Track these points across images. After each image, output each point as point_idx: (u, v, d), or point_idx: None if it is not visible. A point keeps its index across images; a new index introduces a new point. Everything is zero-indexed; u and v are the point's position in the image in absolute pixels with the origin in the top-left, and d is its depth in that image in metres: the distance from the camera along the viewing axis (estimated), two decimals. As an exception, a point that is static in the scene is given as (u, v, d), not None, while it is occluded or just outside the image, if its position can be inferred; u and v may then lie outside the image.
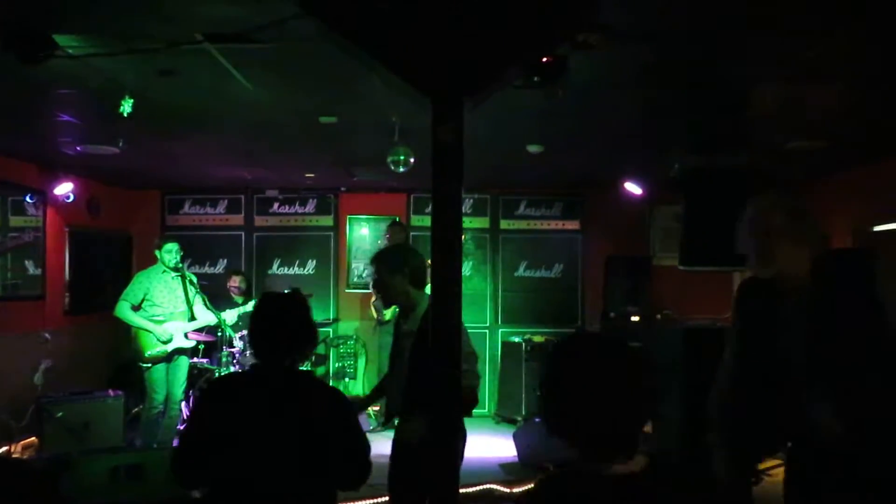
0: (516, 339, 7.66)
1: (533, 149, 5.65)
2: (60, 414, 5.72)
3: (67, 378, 6.43)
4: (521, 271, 8.27)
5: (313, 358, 7.63)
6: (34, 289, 6.65)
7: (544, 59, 3.03)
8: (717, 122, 4.81)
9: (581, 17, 2.76)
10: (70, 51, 3.30)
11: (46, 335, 6.39)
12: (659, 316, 7.21)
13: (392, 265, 3.34)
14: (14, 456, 5.73)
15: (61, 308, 6.97)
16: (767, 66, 3.65)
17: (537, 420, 5.82)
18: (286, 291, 2.64)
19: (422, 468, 3.09)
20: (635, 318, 7.17)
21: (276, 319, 2.47)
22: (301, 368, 2.56)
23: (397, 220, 7.78)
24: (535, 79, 3.06)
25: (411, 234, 7.89)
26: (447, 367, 2.45)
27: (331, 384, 7.94)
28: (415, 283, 3.34)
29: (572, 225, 8.29)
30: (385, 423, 3.57)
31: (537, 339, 7.55)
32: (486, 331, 8.15)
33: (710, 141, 5.25)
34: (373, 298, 7.26)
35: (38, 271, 6.71)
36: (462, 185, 2.64)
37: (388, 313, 7.00)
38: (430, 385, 3.19)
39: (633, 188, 7.17)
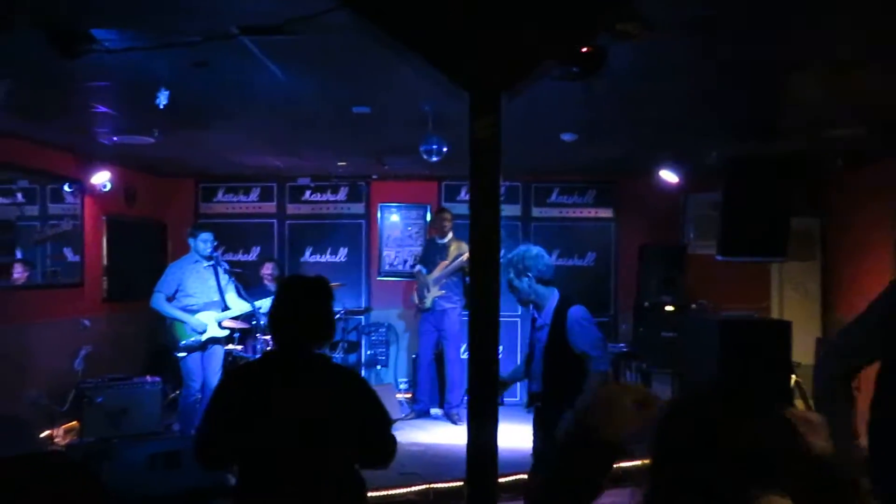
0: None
1: (567, 137, 5.57)
2: (100, 399, 5.83)
3: (106, 364, 6.54)
4: (553, 259, 8.16)
5: (346, 345, 7.68)
6: (73, 276, 6.76)
7: (583, 50, 2.96)
8: (758, 109, 4.68)
9: (621, 7, 2.68)
10: (107, 45, 3.30)
11: (86, 322, 6.50)
12: (693, 306, 7.10)
13: (517, 269, 3.61)
14: (56, 440, 5.86)
15: (99, 295, 7.08)
16: (810, 51, 3.53)
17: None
18: (307, 275, 2.63)
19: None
20: (669, 308, 7.06)
21: (297, 305, 2.47)
22: (319, 353, 2.54)
23: (441, 208, 7.73)
24: (574, 70, 2.99)
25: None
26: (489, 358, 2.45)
27: (363, 372, 7.99)
28: (543, 281, 3.64)
29: (605, 213, 8.18)
30: (528, 406, 3.85)
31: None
32: (518, 319, 8.11)
33: (751, 129, 5.12)
34: (415, 285, 7.26)
35: (77, 259, 6.81)
36: (500, 178, 2.60)
37: (429, 301, 7.01)
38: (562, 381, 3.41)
39: (668, 176, 7.03)
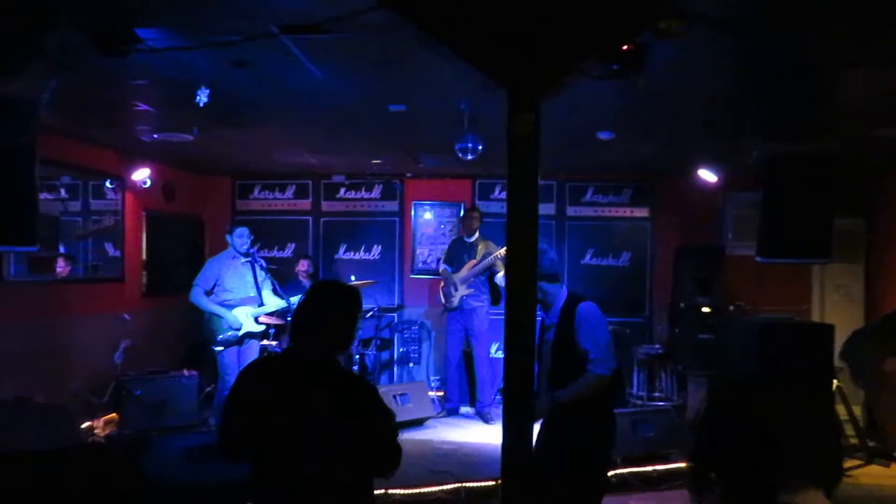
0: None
1: (604, 136, 5.52)
2: (139, 392, 5.95)
3: (144, 357, 6.68)
4: (587, 259, 8.13)
5: (379, 342, 7.71)
6: (114, 271, 6.90)
7: (624, 48, 2.92)
8: (801, 108, 4.57)
9: (663, 4, 2.64)
10: (151, 44, 3.36)
11: (126, 315, 6.63)
12: (731, 308, 6.97)
13: None
14: (96, 431, 5.99)
15: (139, 289, 7.22)
16: (854, 50, 3.43)
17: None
18: (339, 283, 2.65)
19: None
20: (706, 310, 6.95)
21: (318, 311, 2.49)
22: (331, 359, 2.55)
23: (472, 206, 7.73)
24: (615, 67, 2.95)
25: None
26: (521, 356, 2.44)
27: (395, 370, 8.02)
28: (548, 279, 3.46)
29: (641, 212, 8.10)
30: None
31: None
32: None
33: (793, 128, 5.01)
34: (441, 284, 7.26)
35: (118, 253, 6.95)
36: (538, 178, 2.59)
37: (457, 300, 6.99)
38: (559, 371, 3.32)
39: (707, 175, 6.92)
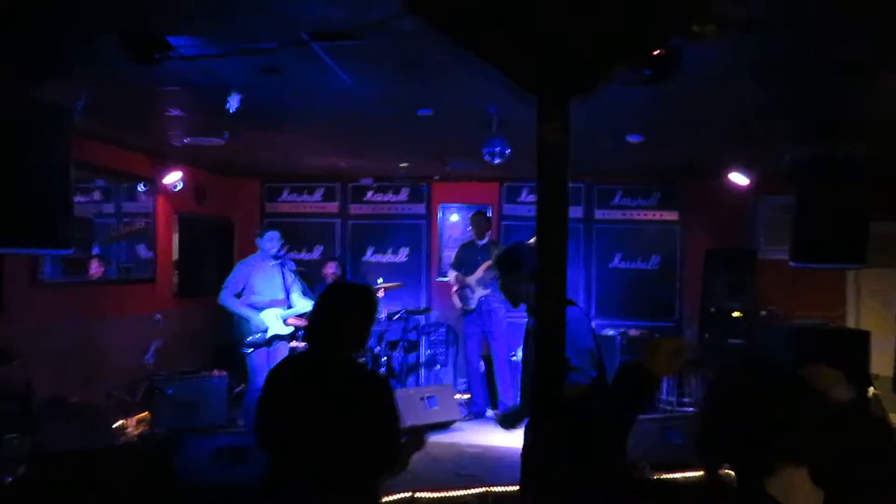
0: (610, 333, 7.50)
1: (633, 139, 5.48)
2: (170, 392, 6.04)
3: (175, 357, 6.78)
4: (615, 263, 8.08)
5: (406, 345, 7.73)
6: (146, 272, 7.02)
7: (656, 53, 2.90)
8: (834, 111, 4.49)
9: (696, 8, 2.61)
10: (183, 51, 3.41)
11: (158, 316, 6.73)
12: (763, 313, 6.87)
13: (511, 268, 3.31)
14: (128, 430, 6.09)
15: (171, 290, 7.34)
16: (891, 52, 3.36)
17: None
18: (352, 284, 2.70)
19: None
20: (737, 315, 6.85)
21: (330, 312, 2.54)
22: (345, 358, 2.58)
23: (481, 210, 7.70)
24: (647, 72, 2.93)
25: (504, 223, 7.91)
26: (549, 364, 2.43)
27: (422, 372, 8.03)
28: (536, 278, 3.32)
29: (670, 215, 8.02)
30: (506, 421, 3.64)
31: (633, 332, 7.36)
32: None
33: (826, 131, 4.92)
34: (455, 288, 7.25)
35: (150, 255, 7.07)
36: (568, 184, 2.58)
37: (474, 301, 6.98)
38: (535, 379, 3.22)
39: (738, 178, 6.82)
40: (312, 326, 2.57)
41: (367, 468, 2.48)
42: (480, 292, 6.97)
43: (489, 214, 7.39)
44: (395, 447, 2.49)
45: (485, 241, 7.15)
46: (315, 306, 2.59)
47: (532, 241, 3.44)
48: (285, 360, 3.14)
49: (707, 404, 1.56)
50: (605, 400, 2.27)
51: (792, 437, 1.40)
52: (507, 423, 3.45)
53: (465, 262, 7.17)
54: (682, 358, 1.97)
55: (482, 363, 7.21)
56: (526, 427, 3.04)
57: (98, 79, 4.08)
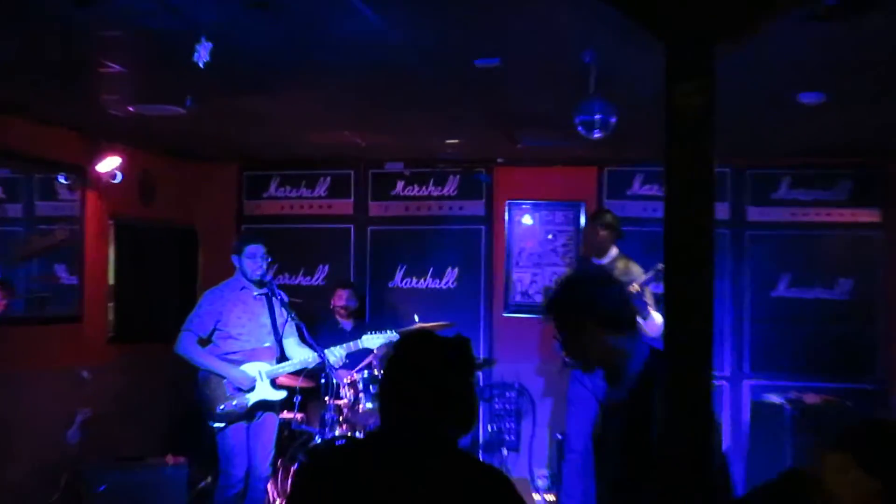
0: (774, 399, 7.41)
1: (809, 98, 5.45)
2: (103, 488, 6.15)
3: (112, 434, 6.89)
4: (780, 289, 7.99)
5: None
6: (68, 306, 7.15)
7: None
8: None
9: None
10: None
11: (84, 372, 6.87)
12: None
13: (570, 309, 3.26)
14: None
15: (104, 333, 7.47)
16: None
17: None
18: (443, 337, 2.71)
19: None
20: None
21: (421, 372, 2.57)
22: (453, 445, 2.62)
23: (600, 211, 7.66)
24: (830, 2, 2.92)
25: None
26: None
27: (481, 458, 8.05)
28: (613, 325, 3.22)
29: (867, 216, 7.95)
30: None
31: (810, 399, 7.27)
32: (725, 383, 7.94)
33: None
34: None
35: (75, 280, 7.20)
36: (713, 170, 2.59)
37: None
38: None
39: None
40: (395, 395, 2.59)
41: None
42: None
43: (603, 221, 7.22)
44: None
45: (607, 258, 7.09)
46: (392, 365, 2.62)
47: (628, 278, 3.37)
48: (333, 453, 3.16)
49: None
50: None
51: None
52: None
53: None
54: None
55: (590, 446, 7.16)
56: None
57: (7, 22, 4.23)
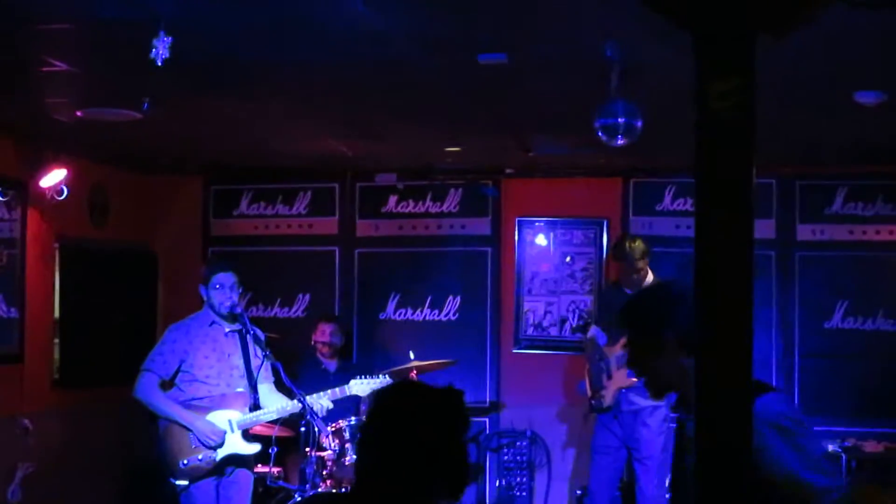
0: (829, 447, 7.40)
1: (866, 98, 5.48)
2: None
3: (57, 492, 6.87)
4: (836, 320, 8.00)
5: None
6: (6, 343, 7.13)
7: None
8: None
9: None
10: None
11: (25, 422, 6.86)
12: None
13: (645, 328, 3.34)
14: None
15: (48, 376, 7.46)
16: None
17: None
18: (427, 387, 2.73)
19: None
20: None
21: (393, 430, 2.58)
22: None
23: (625, 236, 7.65)
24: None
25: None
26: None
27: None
28: (689, 345, 3.31)
29: (938, 234, 7.96)
30: None
31: (870, 447, 7.27)
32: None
33: None
34: (587, 366, 7.23)
35: (13, 313, 7.20)
36: (753, 182, 2.62)
37: (610, 395, 6.95)
38: None
39: None
40: (370, 458, 2.60)
41: None
42: (622, 381, 6.95)
43: (639, 252, 7.21)
44: None
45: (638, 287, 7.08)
46: (367, 423, 2.66)
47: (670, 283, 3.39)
48: None
49: None
50: None
51: None
52: None
53: (609, 321, 7.14)
54: None
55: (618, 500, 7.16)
56: None
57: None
